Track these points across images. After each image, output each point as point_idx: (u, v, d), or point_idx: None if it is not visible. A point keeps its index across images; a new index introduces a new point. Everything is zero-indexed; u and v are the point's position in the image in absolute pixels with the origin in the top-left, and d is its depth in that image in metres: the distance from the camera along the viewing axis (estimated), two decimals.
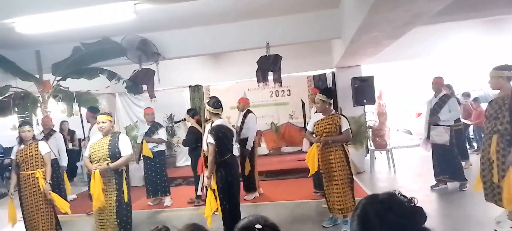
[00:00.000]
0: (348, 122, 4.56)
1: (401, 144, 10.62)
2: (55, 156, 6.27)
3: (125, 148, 4.37)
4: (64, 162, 6.53)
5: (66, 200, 6.62)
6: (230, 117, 9.75)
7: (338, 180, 4.48)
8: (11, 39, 6.28)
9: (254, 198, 6.46)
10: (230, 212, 4.41)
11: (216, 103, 4.49)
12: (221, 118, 4.52)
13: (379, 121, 7.99)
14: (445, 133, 5.74)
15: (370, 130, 7.95)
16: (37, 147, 4.66)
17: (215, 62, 9.86)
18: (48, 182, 4.65)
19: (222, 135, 4.38)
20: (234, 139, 4.72)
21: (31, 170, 4.61)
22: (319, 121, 4.63)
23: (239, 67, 9.55)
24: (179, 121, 7.30)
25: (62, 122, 8.80)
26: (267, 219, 1.47)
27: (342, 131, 4.46)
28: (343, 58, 7.16)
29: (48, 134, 6.46)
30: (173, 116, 10.00)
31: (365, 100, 8.02)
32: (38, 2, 4.27)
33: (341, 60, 7.43)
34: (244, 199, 6.32)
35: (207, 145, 4.42)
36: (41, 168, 4.64)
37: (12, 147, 9.94)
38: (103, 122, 4.35)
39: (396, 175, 7.62)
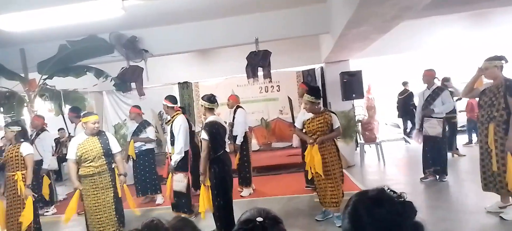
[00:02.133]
0: (342, 118, 4.65)
1: (390, 137, 10.76)
2: (41, 157, 6.13)
3: (115, 146, 4.59)
4: (45, 164, 6.17)
5: (52, 201, 6.58)
6: (220, 113, 9.72)
7: (331, 175, 4.58)
8: None
9: (250, 194, 6.45)
10: (224, 208, 4.41)
11: (211, 98, 4.48)
12: (214, 114, 4.52)
13: (368, 115, 8.06)
14: (438, 125, 5.82)
15: (360, 124, 8.02)
16: (19, 148, 4.56)
17: (204, 58, 9.82)
18: (28, 185, 4.52)
19: (216, 131, 4.36)
20: (226, 135, 4.73)
21: (12, 172, 4.54)
22: (309, 119, 4.67)
23: (228, 63, 9.53)
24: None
25: (59, 130, 8.76)
26: (269, 212, 1.47)
27: (333, 128, 4.60)
28: (332, 53, 7.20)
29: (36, 134, 6.33)
30: (163, 113, 9.93)
31: (353, 95, 8.08)
32: None
33: (329, 55, 7.47)
34: (241, 196, 6.34)
35: (200, 141, 4.41)
36: (22, 170, 4.54)
37: (0, 148, 9.83)
38: (97, 123, 4.44)
39: (385, 168, 7.71)
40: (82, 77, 6.80)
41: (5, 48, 6.69)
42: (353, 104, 8.38)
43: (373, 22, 4.57)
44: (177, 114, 5.31)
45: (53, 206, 6.61)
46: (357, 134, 8.11)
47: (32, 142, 5.32)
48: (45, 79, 6.73)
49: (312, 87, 5.11)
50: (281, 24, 6.52)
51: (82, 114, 4.82)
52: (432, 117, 5.86)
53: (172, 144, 5.17)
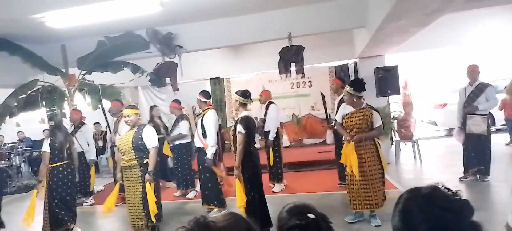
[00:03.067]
0: (380, 116, 4.42)
1: (426, 135, 10.40)
2: (82, 149, 6.39)
3: (150, 140, 4.39)
4: (92, 155, 6.65)
5: (91, 192, 6.83)
6: (251, 109, 9.73)
7: (367, 175, 4.35)
8: (38, 34, 6.41)
9: (282, 190, 6.42)
10: (259, 202, 4.42)
11: (246, 93, 4.51)
12: (247, 110, 4.51)
13: (405, 112, 7.81)
14: (483, 123, 5.53)
15: (395, 121, 7.80)
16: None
17: (236, 54, 9.85)
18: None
19: (251, 125, 4.41)
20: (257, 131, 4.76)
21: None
22: (348, 114, 4.49)
23: (260, 59, 9.51)
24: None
25: (95, 124, 9.13)
26: (315, 208, 1.46)
27: (374, 126, 4.33)
28: (367, 48, 7.01)
29: (76, 127, 6.58)
30: (195, 108, 10.06)
31: (389, 91, 7.85)
32: None
33: (364, 50, 7.27)
34: (272, 191, 6.33)
35: (234, 135, 4.39)
36: None
37: (42, 139, 10.29)
38: (128, 116, 4.41)
39: (422, 166, 7.45)
40: (119, 72, 7.00)
41: (48, 44, 6.97)
42: (388, 101, 8.14)
43: (413, 15, 4.40)
44: (208, 108, 5.37)
45: (92, 197, 6.85)
46: (393, 131, 7.88)
47: (72, 135, 5.55)
48: (84, 74, 6.97)
49: (355, 79, 4.83)
50: (315, 19, 6.40)
51: (124, 107, 4.91)
52: (476, 114, 5.59)
53: (204, 136, 5.24)
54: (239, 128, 4.28)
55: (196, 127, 5.61)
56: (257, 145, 4.75)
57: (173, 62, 6.89)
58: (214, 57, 9.63)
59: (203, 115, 5.31)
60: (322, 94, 6.67)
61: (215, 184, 5.38)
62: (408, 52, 8.61)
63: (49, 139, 4.69)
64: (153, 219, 4.39)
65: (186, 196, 6.58)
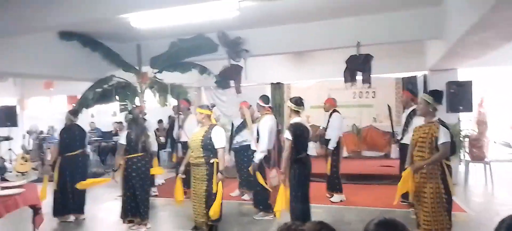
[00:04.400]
0: (450, 133, 3.87)
1: (499, 157, 9.60)
2: None
3: (218, 140, 4.51)
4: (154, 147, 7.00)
5: (154, 185, 7.15)
6: (309, 116, 9.67)
7: (427, 197, 3.90)
8: (117, 33, 6.91)
9: (341, 201, 6.28)
10: (301, 211, 4.38)
11: (298, 101, 4.56)
12: (300, 117, 4.55)
13: (479, 131, 7.30)
14: None
15: (467, 139, 7.30)
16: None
17: (299, 60, 9.82)
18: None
19: (300, 132, 4.40)
20: (310, 138, 4.72)
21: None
22: (417, 127, 4.14)
23: (322, 66, 9.41)
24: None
25: (159, 121, 9.61)
26: (405, 225, 1.42)
27: (438, 142, 3.75)
28: (440, 60, 6.64)
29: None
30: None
31: (460, 107, 7.38)
32: None
33: (437, 62, 6.90)
34: (330, 201, 6.23)
35: (284, 140, 4.48)
36: None
37: (111, 131, 11.02)
38: (201, 114, 4.65)
39: (493, 190, 6.91)
40: (187, 73, 7.31)
41: (125, 43, 7.48)
42: (458, 118, 7.66)
43: (500, 28, 4.09)
44: (265, 114, 5.41)
45: (155, 188, 7.19)
46: (463, 150, 7.39)
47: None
48: (155, 73, 7.36)
49: (435, 90, 4.38)
50: (386, 28, 6.21)
51: (199, 106, 5.08)
52: None
53: (257, 141, 5.31)
54: (286, 134, 4.34)
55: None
56: (313, 153, 4.70)
57: (239, 65, 7.06)
58: (276, 63, 9.69)
59: (260, 120, 5.37)
60: (389, 107, 6.43)
61: (263, 188, 5.38)
62: (485, 67, 8.02)
63: (127, 131, 4.98)
64: (214, 217, 4.50)
65: (242, 197, 6.67)
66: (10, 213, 3.81)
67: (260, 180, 5.32)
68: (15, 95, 13.05)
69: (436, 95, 4.01)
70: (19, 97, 13.30)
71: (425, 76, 8.70)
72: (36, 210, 4.26)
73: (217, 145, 4.50)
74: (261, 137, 5.17)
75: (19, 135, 10.96)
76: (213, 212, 4.43)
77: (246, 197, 6.64)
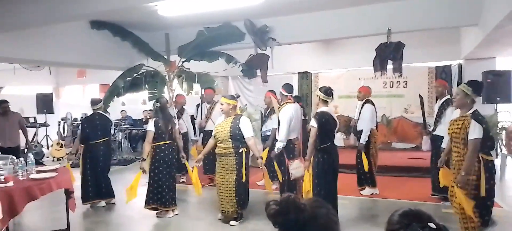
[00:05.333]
0: (485, 128, 3.54)
1: None
2: (187, 130, 6.98)
3: (247, 130, 4.63)
4: (191, 135, 7.16)
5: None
6: (337, 106, 9.51)
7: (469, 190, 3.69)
8: (146, 22, 7.01)
9: (372, 194, 6.12)
10: (324, 200, 4.30)
11: (328, 91, 4.52)
12: (328, 106, 4.53)
13: None
14: None
15: (504, 132, 6.95)
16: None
17: (326, 49, 9.64)
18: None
19: (325, 121, 4.38)
20: (336, 129, 4.67)
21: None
22: (452, 120, 3.90)
23: (351, 55, 9.20)
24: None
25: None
26: (432, 217, 1.36)
27: (468, 138, 3.53)
28: (477, 48, 6.33)
29: (181, 110, 7.06)
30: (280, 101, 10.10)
31: (498, 98, 7.05)
32: None
33: (473, 50, 6.58)
34: (361, 193, 6.14)
35: (309, 128, 4.46)
36: None
37: (141, 119, 11.26)
38: (221, 104, 4.70)
39: None
40: (214, 61, 7.33)
41: (153, 32, 7.58)
42: (495, 109, 7.30)
43: None
44: (287, 102, 5.33)
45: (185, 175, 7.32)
46: (499, 143, 7.04)
47: (178, 117, 6.00)
48: (183, 61, 7.43)
49: (474, 80, 4.09)
50: (419, 14, 5.93)
51: (223, 95, 5.10)
52: None
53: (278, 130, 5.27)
54: (312, 122, 4.39)
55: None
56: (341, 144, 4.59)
57: (265, 54, 7.00)
58: (304, 51, 9.55)
59: (280, 109, 5.30)
60: (420, 96, 6.17)
61: (288, 177, 5.32)
62: None
63: (154, 119, 5.06)
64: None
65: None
66: (45, 195, 3.99)
67: (277, 170, 5.28)
68: (51, 84, 13.61)
69: (475, 86, 3.69)
70: (55, 86, 13.86)
71: (460, 65, 8.34)
72: (69, 193, 4.43)
73: (246, 134, 4.60)
74: (281, 126, 5.10)
75: (55, 122, 11.43)
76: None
77: (272, 186, 6.64)
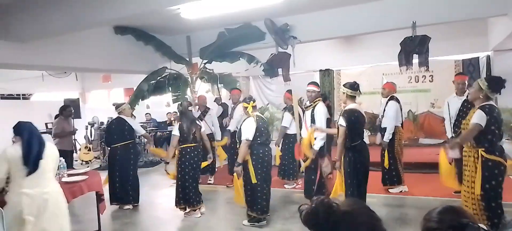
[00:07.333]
0: (486, 116, 3.54)
1: None
2: (211, 131, 6.94)
3: (243, 132, 4.63)
4: (217, 136, 7.09)
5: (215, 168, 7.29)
6: (361, 103, 9.34)
7: (468, 186, 3.74)
8: (168, 26, 7.11)
9: (401, 191, 6.02)
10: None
11: (354, 85, 4.37)
12: (355, 102, 4.38)
13: None
14: None
15: None
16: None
17: (348, 45, 9.51)
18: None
19: (355, 119, 4.23)
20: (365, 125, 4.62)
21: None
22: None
23: (373, 51, 9.04)
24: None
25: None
26: (471, 216, 1.35)
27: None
28: (507, 39, 6.09)
29: (204, 111, 7.11)
30: (303, 99, 10.03)
31: None
32: None
33: (503, 41, 6.34)
34: (388, 191, 6.04)
35: (338, 128, 4.33)
36: None
37: (165, 121, 11.39)
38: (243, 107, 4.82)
39: None
40: (236, 62, 7.36)
41: (175, 35, 7.69)
42: None
43: None
44: (318, 100, 5.29)
45: (212, 176, 7.37)
46: None
47: (201, 119, 6.07)
48: (205, 63, 7.50)
49: (495, 77, 4.03)
50: (445, 6, 5.73)
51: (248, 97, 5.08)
52: None
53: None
54: (340, 121, 4.22)
55: (303, 118, 5.60)
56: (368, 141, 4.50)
57: (286, 53, 6.96)
58: (325, 49, 9.45)
59: (314, 106, 5.25)
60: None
61: (318, 177, 5.28)
62: None
63: (179, 123, 5.16)
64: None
65: (285, 186, 6.63)
66: (77, 198, 4.10)
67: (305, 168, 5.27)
68: (77, 89, 13.99)
69: (492, 82, 3.68)
70: (81, 91, 14.24)
71: (488, 58, 8.06)
72: (99, 196, 4.55)
73: (241, 136, 4.58)
74: (319, 124, 5.05)
75: (82, 126, 11.74)
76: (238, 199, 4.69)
77: (286, 186, 6.63)
